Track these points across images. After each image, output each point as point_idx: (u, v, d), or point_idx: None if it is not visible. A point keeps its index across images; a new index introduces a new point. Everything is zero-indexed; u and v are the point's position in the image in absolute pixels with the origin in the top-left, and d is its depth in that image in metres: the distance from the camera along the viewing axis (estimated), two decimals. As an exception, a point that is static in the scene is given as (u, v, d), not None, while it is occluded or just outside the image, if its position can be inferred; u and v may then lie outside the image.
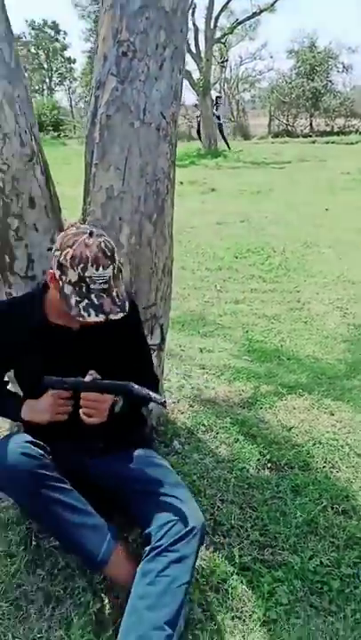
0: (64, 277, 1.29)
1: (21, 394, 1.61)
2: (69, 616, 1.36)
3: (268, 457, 1.96)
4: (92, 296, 1.29)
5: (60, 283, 1.30)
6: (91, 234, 1.30)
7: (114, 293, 1.32)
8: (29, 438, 1.36)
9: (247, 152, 14.95)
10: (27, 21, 32.88)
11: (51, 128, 19.67)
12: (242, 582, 1.48)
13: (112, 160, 1.73)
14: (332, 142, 17.15)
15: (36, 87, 33.73)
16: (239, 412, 2.26)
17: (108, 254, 1.29)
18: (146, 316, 1.89)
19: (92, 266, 1.26)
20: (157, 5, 1.64)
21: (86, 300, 1.28)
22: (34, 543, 1.55)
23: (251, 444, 2.04)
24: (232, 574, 1.50)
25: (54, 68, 34.63)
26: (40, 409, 1.45)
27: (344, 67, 22.54)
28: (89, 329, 1.44)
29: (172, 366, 2.64)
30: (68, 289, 1.29)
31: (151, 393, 1.37)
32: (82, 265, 1.26)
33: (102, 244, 1.29)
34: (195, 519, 1.32)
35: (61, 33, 33.87)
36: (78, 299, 1.28)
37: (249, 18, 17.03)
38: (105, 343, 1.48)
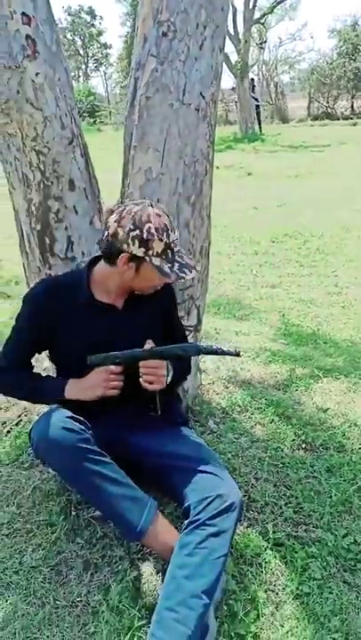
0: (151, 252, 1.35)
1: (54, 375, 1.66)
2: (107, 582, 1.42)
3: (302, 438, 1.97)
4: (177, 257, 1.39)
5: (147, 258, 1.35)
6: (151, 205, 1.38)
7: (182, 250, 1.44)
8: (70, 414, 1.40)
9: (285, 135, 14.68)
10: (63, 7, 33.03)
11: (86, 114, 19.80)
12: (275, 557, 1.50)
13: (151, 142, 1.75)
14: (374, 124, 16.66)
15: (72, 74, 33.87)
16: (274, 394, 2.27)
17: (169, 216, 1.40)
18: (183, 297, 1.91)
19: (171, 231, 1.37)
20: (198, -17, 1.64)
21: (176, 264, 1.38)
22: (73, 513, 1.62)
23: (286, 425, 2.05)
24: (266, 549, 1.53)
25: (90, 54, 34.71)
26: (90, 385, 1.48)
27: (388, 45, 21.73)
28: (132, 306, 1.52)
29: (207, 348, 2.66)
30: (156, 261, 1.35)
31: (222, 346, 1.43)
32: (165, 233, 1.35)
33: (164, 210, 1.40)
34: (233, 495, 1.34)
35: (97, 18, 33.93)
36: (170, 265, 1.36)
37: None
38: (147, 319, 1.54)
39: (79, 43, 34.09)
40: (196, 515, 1.30)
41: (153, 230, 1.32)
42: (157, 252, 1.35)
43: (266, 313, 3.24)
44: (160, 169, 1.76)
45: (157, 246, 1.34)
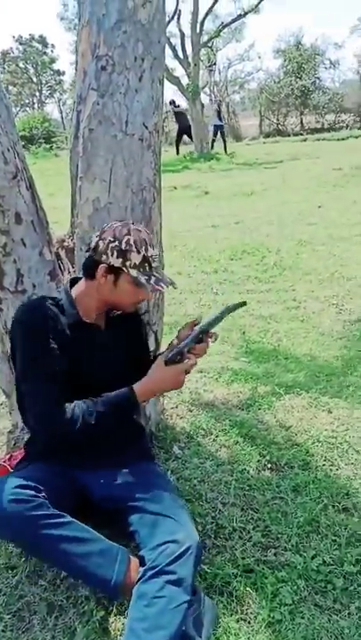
0: (128, 262, 1.40)
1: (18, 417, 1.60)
2: (73, 625, 1.37)
3: (267, 458, 1.97)
4: (155, 272, 1.44)
5: (124, 269, 1.40)
6: (133, 223, 1.47)
7: (160, 268, 1.52)
8: (18, 482, 1.32)
9: (239, 153, 15.00)
10: (14, 37, 33.09)
11: (42, 140, 19.74)
12: (245, 584, 1.49)
13: (97, 172, 1.75)
14: (323, 139, 17.20)
15: (26, 101, 33.91)
16: (238, 414, 2.27)
17: (151, 235, 1.49)
18: (139, 324, 1.90)
19: (150, 246, 1.43)
20: (134, 19, 1.67)
21: (153, 277, 1.42)
22: (36, 555, 1.57)
23: (250, 446, 2.05)
24: (235, 576, 1.51)
25: (44, 81, 34.77)
26: (169, 382, 1.47)
27: (331, 63, 22.64)
28: (113, 326, 1.56)
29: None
30: (133, 272, 1.41)
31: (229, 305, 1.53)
32: (143, 247, 1.41)
33: (145, 229, 1.48)
34: (190, 539, 1.30)
35: (49, 46, 34.04)
36: (146, 277, 1.41)
37: (234, 20, 17.14)
38: (126, 339, 1.61)
39: (32, 71, 34.12)
40: (153, 561, 1.27)
41: (131, 242, 1.39)
42: (135, 264, 1.40)
43: (227, 331, 3.26)
44: (108, 198, 1.77)
45: (135, 258, 1.39)
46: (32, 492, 1.30)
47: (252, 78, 26.03)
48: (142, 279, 1.40)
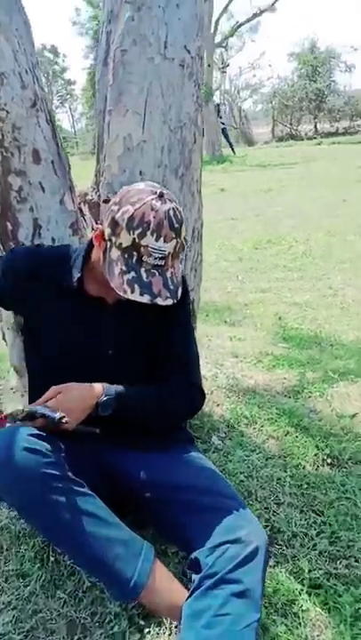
0: (114, 239, 1.07)
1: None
2: (101, 651, 1.07)
3: (326, 451, 1.66)
4: (142, 270, 1.06)
5: (109, 244, 1.09)
6: (161, 195, 1.06)
7: (168, 274, 1.08)
8: (34, 430, 1.05)
9: (252, 156, 14.80)
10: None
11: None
12: (315, 603, 1.18)
13: (129, 103, 1.47)
14: (339, 142, 16.95)
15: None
16: (285, 402, 1.96)
17: (175, 225, 1.05)
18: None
19: (152, 234, 1.04)
20: None
21: (133, 273, 1.06)
22: (52, 559, 1.27)
23: (304, 437, 1.73)
24: (301, 593, 1.20)
25: (55, 91, 35.04)
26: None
27: (347, 66, 22.38)
28: (127, 306, 1.15)
29: (200, 355, 2.34)
30: (115, 253, 1.07)
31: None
32: (140, 230, 1.03)
33: (171, 212, 1.05)
34: (257, 537, 1.02)
35: (60, 55, 34.40)
36: (124, 268, 1.06)
37: (249, 20, 16.99)
38: (141, 320, 1.24)
39: (43, 80, 34.33)
40: (210, 567, 0.98)
41: (127, 216, 1.04)
42: (121, 245, 1.06)
43: (260, 317, 2.96)
44: (141, 135, 1.48)
45: (124, 238, 1.05)
46: (48, 446, 1.03)
47: (263, 85, 25.98)
48: (117, 268, 1.06)
